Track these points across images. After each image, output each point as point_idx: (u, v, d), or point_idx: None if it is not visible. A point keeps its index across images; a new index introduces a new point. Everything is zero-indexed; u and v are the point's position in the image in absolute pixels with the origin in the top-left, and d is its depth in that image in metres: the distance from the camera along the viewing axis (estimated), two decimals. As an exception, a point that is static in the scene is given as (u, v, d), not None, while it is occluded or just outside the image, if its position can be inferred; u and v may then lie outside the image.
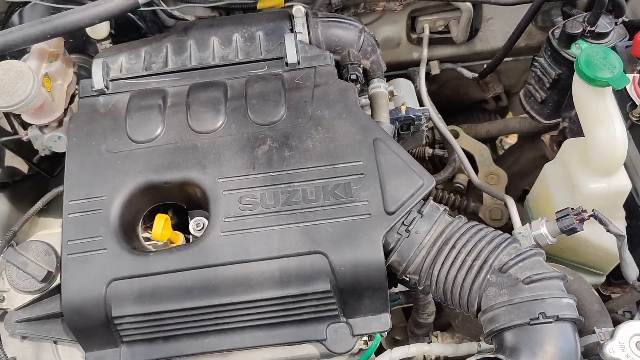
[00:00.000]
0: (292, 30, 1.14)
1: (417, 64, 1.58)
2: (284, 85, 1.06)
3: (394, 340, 1.34)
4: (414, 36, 1.57)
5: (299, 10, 1.14)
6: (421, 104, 1.40)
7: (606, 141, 0.99)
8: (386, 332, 1.01)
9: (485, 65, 1.56)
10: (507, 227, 1.27)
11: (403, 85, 1.31)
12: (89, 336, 0.97)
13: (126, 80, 1.10)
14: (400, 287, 1.15)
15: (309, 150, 0.99)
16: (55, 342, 1.07)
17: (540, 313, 0.84)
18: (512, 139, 2.29)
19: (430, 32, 1.55)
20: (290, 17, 1.15)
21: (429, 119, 1.25)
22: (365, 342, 1.05)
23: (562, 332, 0.85)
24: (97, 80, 1.07)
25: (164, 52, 1.13)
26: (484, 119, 1.87)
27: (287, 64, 1.09)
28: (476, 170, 1.56)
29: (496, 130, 1.72)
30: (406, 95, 1.30)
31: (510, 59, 1.66)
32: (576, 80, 1.00)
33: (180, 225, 1.10)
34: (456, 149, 1.36)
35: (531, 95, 1.43)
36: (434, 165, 1.64)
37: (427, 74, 1.64)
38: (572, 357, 0.84)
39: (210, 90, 1.06)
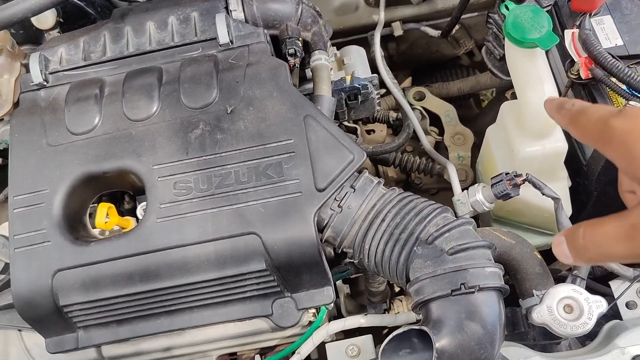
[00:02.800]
0: (226, 8, 1.13)
1: (378, 26, 1.55)
2: (217, 66, 1.06)
3: (360, 306, 1.37)
4: (371, -1, 1.54)
5: (232, -13, 1.13)
6: (376, 69, 1.39)
7: (537, 104, 0.97)
8: (331, 304, 1.03)
9: (448, 23, 1.53)
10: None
11: (354, 53, 1.30)
12: (44, 325, 1.01)
13: (65, 72, 1.11)
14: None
15: (240, 132, 1.00)
16: (19, 330, 1.12)
17: (462, 284, 0.85)
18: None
19: (388, -7, 1.52)
20: (225, -5, 1.14)
21: (378, 85, 1.23)
22: (314, 315, 1.07)
23: (485, 302, 0.86)
24: (35, 74, 1.09)
25: (102, 41, 1.13)
26: (461, 75, 1.84)
27: (220, 45, 1.08)
28: (442, 131, 1.55)
29: (468, 87, 1.69)
30: (357, 62, 1.29)
31: (476, 14, 1.62)
32: (507, 43, 0.98)
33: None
34: (409, 115, 1.35)
35: (491, 52, 1.41)
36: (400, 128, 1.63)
37: (390, 35, 1.62)
38: (495, 326, 0.85)
39: (145, 77, 1.07)
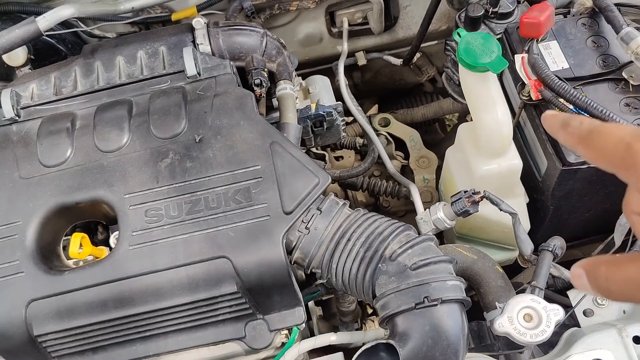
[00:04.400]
0: (193, 42, 1.18)
1: (342, 57, 1.61)
2: (185, 97, 1.10)
3: (333, 327, 1.39)
4: (334, 30, 1.60)
5: (198, 22, 1.17)
6: (340, 97, 1.44)
7: (491, 124, 1.03)
8: (303, 324, 1.06)
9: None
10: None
11: (318, 82, 1.35)
12: (18, 356, 1.02)
13: (37, 107, 1.14)
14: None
15: (209, 160, 1.03)
16: (-9, 363, 1.12)
17: (425, 297, 0.89)
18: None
19: (350, 25, 1.58)
20: (192, 30, 1.19)
21: (342, 113, 1.28)
22: (287, 336, 1.10)
23: (448, 314, 0.89)
24: (7, 109, 1.11)
25: (73, 76, 1.17)
26: (425, 101, 1.90)
27: (188, 77, 1.12)
28: (407, 155, 1.60)
29: (432, 113, 1.75)
30: (322, 91, 1.34)
31: (435, 42, 1.69)
32: (460, 68, 1.04)
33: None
34: (373, 139, 1.40)
35: (450, 78, 1.47)
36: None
37: (355, 64, 1.68)
38: (458, 337, 0.88)
39: (115, 110, 1.10)
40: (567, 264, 1.19)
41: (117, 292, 0.98)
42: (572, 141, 0.55)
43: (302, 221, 0.99)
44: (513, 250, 1.20)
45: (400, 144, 1.64)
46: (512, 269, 1.23)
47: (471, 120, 1.57)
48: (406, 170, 1.60)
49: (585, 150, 0.54)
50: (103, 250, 1.13)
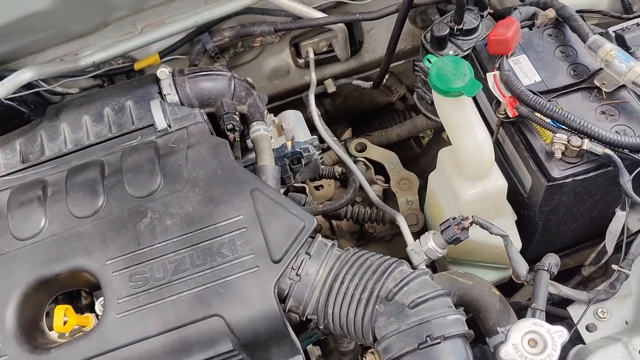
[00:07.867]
0: (160, 93, 1.15)
1: (310, 86, 1.59)
2: (158, 152, 1.07)
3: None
4: (300, 61, 1.58)
5: (163, 72, 1.15)
6: (314, 127, 1.42)
7: (471, 147, 1.01)
8: (304, 374, 1.03)
9: (378, 75, 1.59)
10: (424, 231, 1.29)
11: (291, 117, 1.33)
12: None
13: (4, 177, 1.10)
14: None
15: (189, 215, 1.00)
16: None
17: (427, 336, 0.86)
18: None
19: (316, 54, 1.56)
20: (158, 80, 1.16)
21: (319, 146, 1.26)
22: (289, 386, 1.06)
23: (453, 350, 0.87)
24: (-28, 184, 1.07)
25: (39, 141, 1.13)
26: (398, 120, 1.89)
27: (158, 130, 1.09)
28: (388, 179, 1.58)
29: (406, 132, 1.74)
30: (295, 126, 1.31)
31: (403, 61, 1.69)
32: (434, 94, 1.02)
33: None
34: (352, 169, 1.38)
35: (422, 97, 1.46)
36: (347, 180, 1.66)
37: (325, 92, 1.66)
38: (465, 372, 0.86)
39: (87, 172, 1.07)
40: (559, 273, 1.18)
41: (108, 365, 0.94)
42: None
43: (292, 268, 0.97)
44: (507, 269, 1.18)
45: (379, 167, 1.62)
46: (507, 286, 1.22)
47: (447, 137, 1.57)
48: (388, 194, 1.59)
49: None
50: (89, 318, 1.08)
